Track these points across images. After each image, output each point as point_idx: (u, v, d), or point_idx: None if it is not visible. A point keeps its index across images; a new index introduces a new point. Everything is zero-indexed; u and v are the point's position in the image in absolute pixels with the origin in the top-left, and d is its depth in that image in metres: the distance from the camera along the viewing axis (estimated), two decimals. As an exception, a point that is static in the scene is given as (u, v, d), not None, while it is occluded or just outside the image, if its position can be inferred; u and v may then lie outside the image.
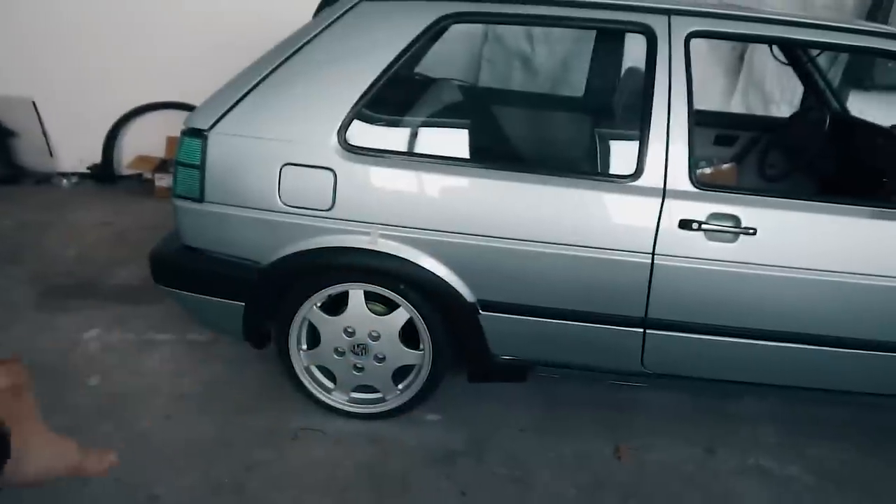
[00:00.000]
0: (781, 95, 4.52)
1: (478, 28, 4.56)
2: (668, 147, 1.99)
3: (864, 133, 2.91)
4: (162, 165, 4.56)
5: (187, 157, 2.15)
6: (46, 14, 4.36)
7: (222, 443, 2.20)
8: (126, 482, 2.00)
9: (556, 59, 4.62)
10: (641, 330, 2.10)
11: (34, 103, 4.57)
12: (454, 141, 2.32)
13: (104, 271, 3.34)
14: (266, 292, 2.19)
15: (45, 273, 3.31)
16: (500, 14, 2.09)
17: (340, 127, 2.05)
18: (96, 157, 4.69)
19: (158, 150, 4.65)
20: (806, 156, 2.93)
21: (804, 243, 1.99)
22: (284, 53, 2.14)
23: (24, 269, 3.34)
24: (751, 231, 1.95)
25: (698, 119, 3.32)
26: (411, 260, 2.06)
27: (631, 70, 2.73)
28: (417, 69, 3.06)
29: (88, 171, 4.70)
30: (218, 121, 2.12)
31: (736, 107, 4.62)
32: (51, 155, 4.71)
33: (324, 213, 2.06)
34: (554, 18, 2.07)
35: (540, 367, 2.27)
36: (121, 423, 2.27)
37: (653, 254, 1.99)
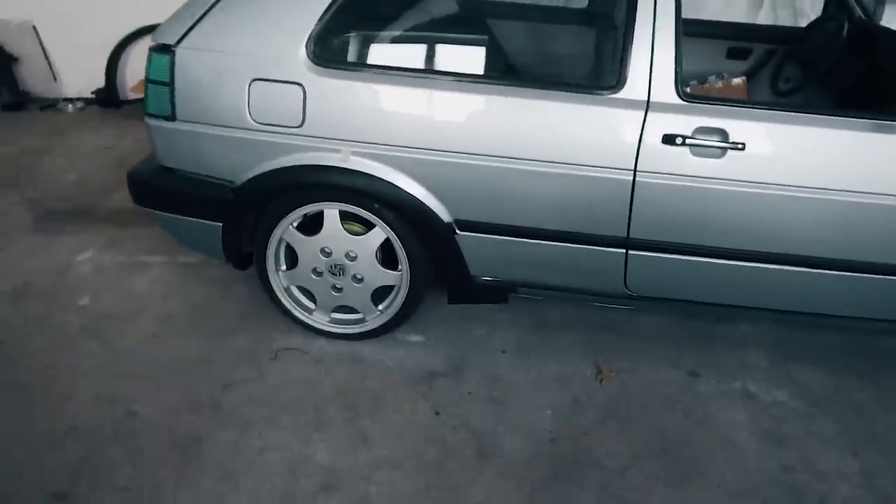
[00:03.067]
0: (812, 8, 4.22)
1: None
2: (653, 57, 1.86)
3: (886, 42, 2.70)
4: (165, 89, 4.49)
5: (157, 74, 2.09)
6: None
7: (204, 361, 2.23)
8: (106, 398, 2.04)
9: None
10: (623, 250, 2.03)
11: (34, 27, 4.51)
12: (428, 53, 2.21)
13: (102, 195, 3.35)
14: (241, 212, 2.16)
15: (44, 197, 3.34)
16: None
17: (308, 39, 1.96)
18: (101, 80, 4.64)
19: (161, 74, 4.56)
20: (818, 68, 2.74)
21: (796, 159, 1.88)
22: (251, -39, 2.03)
23: (23, 194, 3.36)
24: (739, 146, 1.84)
25: (710, 31, 3.22)
26: (384, 178, 2.00)
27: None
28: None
29: (93, 95, 4.67)
30: (185, 35, 2.04)
31: (763, 20, 4.34)
32: (55, 80, 4.69)
33: (294, 130, 2.00)
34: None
35: (521, 288, 2.22)
36: (106, 341, 2.30)
37: (634, 170, 1.89)
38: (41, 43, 4.57)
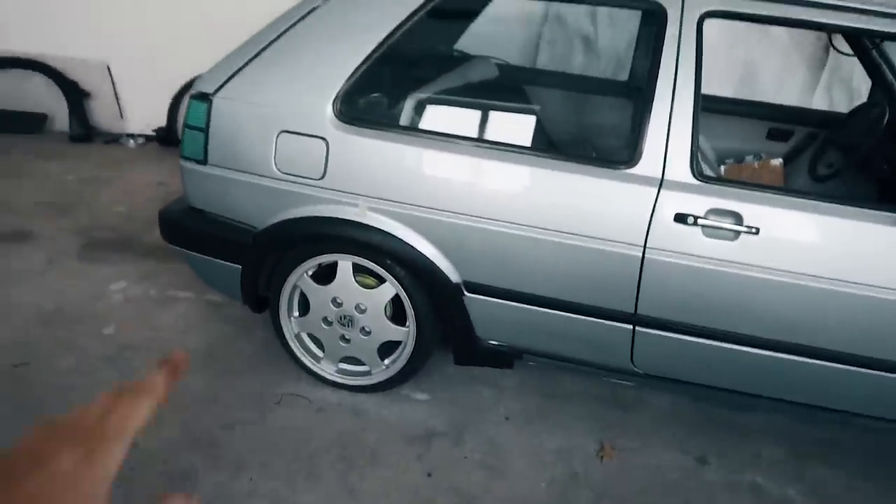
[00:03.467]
0: (868, 90, 4.15)
1: (537, 7, 4.45)
2: (669, 135, 1.87)
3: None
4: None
5: (194, 120, 2.20)
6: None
7: (209, 400, 2.27)
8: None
9: (620, 41, 4.44)
10: (631, 326, 2.00)
11: (108, 67, 4.83)
12: (448, 117, 2.28)
13: (145, 229, 3.50)
14: (260, 257, 2.23)
15: (92, 226, 3.51)
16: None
17: (336, 97, 2.04)
18: (163, 120, 4.90)
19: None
20: (857, 154, 2.68)
21: (812, 247, 1.84)
22: (289, 22, 2.15)
23: (74, 222, 3.54)
24: (753, 230, 1.81)
25: (752, 111, 3.21)
26: (397, 235, 2.04)
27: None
28: (460, 47, 3.03)
29: (154, 133, 4.93)
30: (223, 85, 2.16)
31: (819, 103, 4.29)
32: (121, 116, 4.97)
33: (315, 182, 2.07)
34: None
35: (527, 355, 2.21)
36: (123, 371, 2.38)
37: (644, 246, 1.88)
38: (113, 82, 4.87)
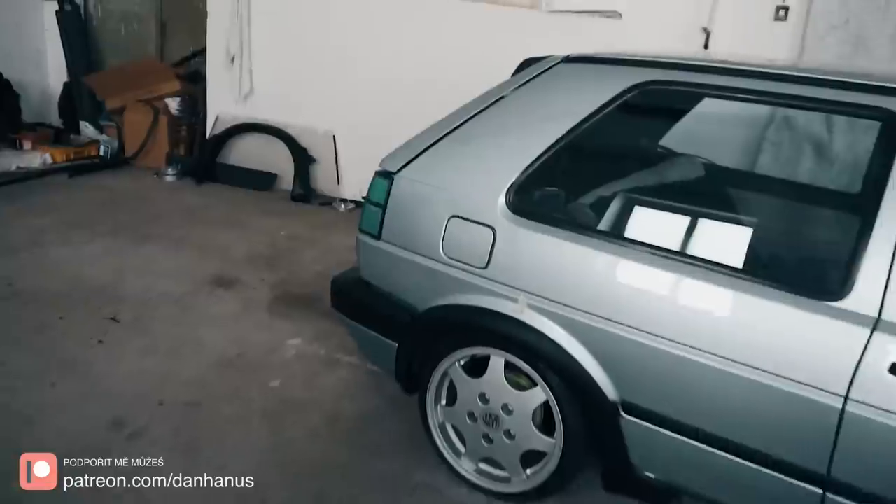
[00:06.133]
0: None
1: (762, 110, 4.10)
2: (894, 266, 1.54)
3: None
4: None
5: (375, 196, 2.28)
6: (349, 68, 5.11)
7: (344, 474, 2.24)
8: (246, 484, 2.13)
9: (860, 148, 3.93)
10: (820, 491, 1.63)
11: (334, 136, 5.30)
12: (625, 219, 2.09)
13: (333, 289, 3.68)
14: (416, 338, 2.20)
15: (288, 281, 3.77)
16: (701, 85, 1.84)
17: (510, 187, 1.98)
18: (372, 189, 5.24)
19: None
20: None
21: None
22: (476, 108, 2.16)
23: (275, 275, 3.84)
24: None
25: None
26: (553, 338, 1.89)
27: None
28: (666, 144, 2.86)
29: (363, 199, 5.25)
30: (405, 165, 2.21)
31: None
32: (338, 182, 5.40)
33: (478, 271, 2.01)
34: (763, 94, 1.76)
35: (686, 496, 1.90)
36: (275, 427, 2.44)
37: (846, 398, 1.54)
38: (336, 150, 5.33)
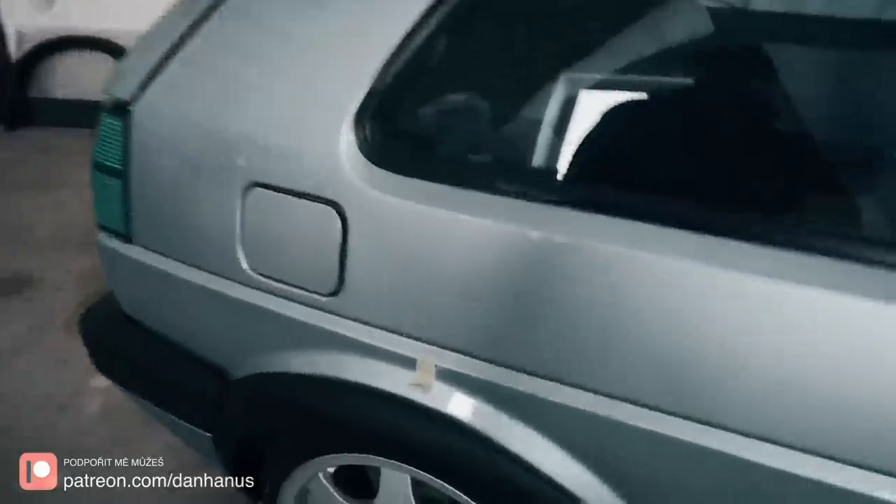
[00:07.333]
0: None
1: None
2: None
3: None
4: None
5: (104, 155, 1.10)
6: None
7: None
8: None
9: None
10: None
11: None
12: (628, 158, 0.94)
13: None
14: (238, 429, 1.11)
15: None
16: None
17: (355, 120, 0.85)
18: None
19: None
20: None
21: None
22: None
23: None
24: None
25: None
26: (502, 441, 0.83)
27: None
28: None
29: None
30: (146, 86, 1.03)
31: None
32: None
33: (322, 300, 0.90)
34: None
35: None
36: None
37: None
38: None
